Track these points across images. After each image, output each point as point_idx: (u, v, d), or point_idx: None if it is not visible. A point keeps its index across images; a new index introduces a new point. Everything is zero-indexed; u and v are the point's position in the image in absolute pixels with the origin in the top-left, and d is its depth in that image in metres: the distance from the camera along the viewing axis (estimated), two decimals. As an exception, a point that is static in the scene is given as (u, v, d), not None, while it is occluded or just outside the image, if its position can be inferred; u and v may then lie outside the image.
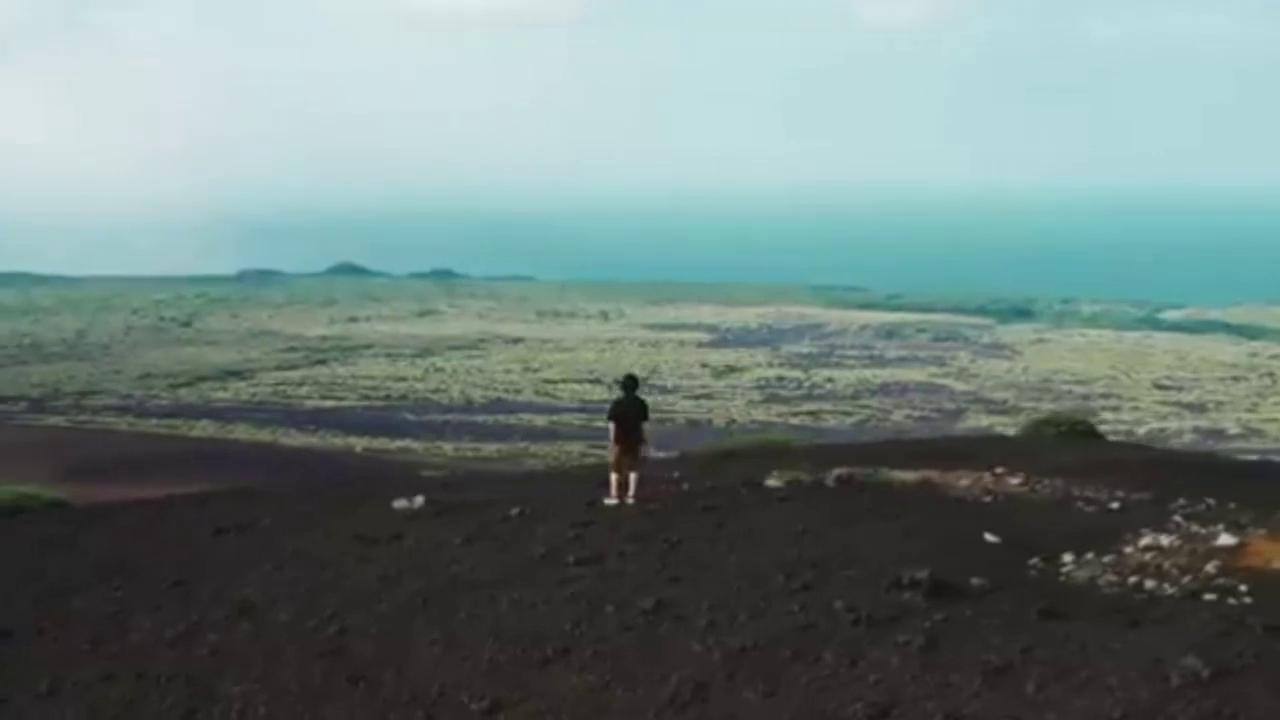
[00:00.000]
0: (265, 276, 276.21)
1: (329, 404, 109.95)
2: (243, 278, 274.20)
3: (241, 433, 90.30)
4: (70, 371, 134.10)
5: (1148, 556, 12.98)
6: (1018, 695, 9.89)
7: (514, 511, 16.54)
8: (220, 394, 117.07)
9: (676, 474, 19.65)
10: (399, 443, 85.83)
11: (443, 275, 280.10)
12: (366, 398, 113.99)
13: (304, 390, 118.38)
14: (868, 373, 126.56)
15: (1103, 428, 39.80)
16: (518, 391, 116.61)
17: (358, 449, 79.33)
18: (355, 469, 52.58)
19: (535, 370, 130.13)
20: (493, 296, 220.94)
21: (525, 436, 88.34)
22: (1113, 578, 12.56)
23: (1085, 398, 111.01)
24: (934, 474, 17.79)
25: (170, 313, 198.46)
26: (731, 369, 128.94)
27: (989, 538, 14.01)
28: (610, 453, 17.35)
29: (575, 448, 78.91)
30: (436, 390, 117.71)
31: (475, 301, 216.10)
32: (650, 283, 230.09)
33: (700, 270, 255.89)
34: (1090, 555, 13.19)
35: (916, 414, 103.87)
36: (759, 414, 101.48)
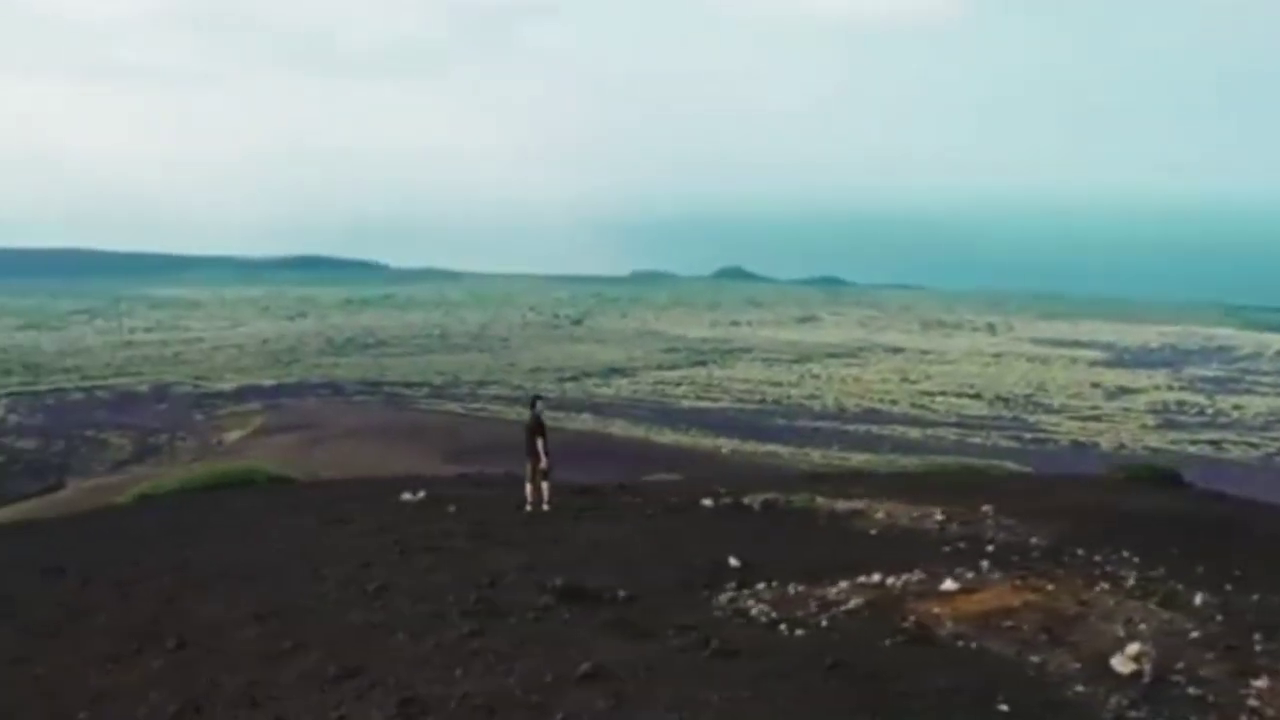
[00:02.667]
0: (655, 278, 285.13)
1: (704, 405, 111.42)
2: (635, 278, 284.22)
3: (617, 428, 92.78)
4: (471, 362, 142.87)
5: (833, 592, 13.22)
6: (500, 675, 10.68)
7: (451, 509, 20.12)
8: (603, 390, 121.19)
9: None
10: (767, 447, 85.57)
11: (828, 282, 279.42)
12: (740, 400, 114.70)
13: (681, 390, 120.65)
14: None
15: None
16: (893, 402, 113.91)
17: (724, 450, 79.69)
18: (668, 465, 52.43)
19: (913, 382, 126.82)
20: (876, 305, 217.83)
21: (896, 448, 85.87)
22: (764, 607, 12.88)
23: None
24: (865, 505, 18.75)
25: (565, 310, 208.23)
26: (1126, 390, 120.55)
27: (733, 561, 14.85)
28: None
29: (948, 462, 75.80)
30: (810, 397, 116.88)
31: (858, 309, 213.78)
32: (1043, 294, 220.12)
33: (1100, 282, 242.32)
34: (789, 586, 13.65)
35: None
36: (1153, 440, 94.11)
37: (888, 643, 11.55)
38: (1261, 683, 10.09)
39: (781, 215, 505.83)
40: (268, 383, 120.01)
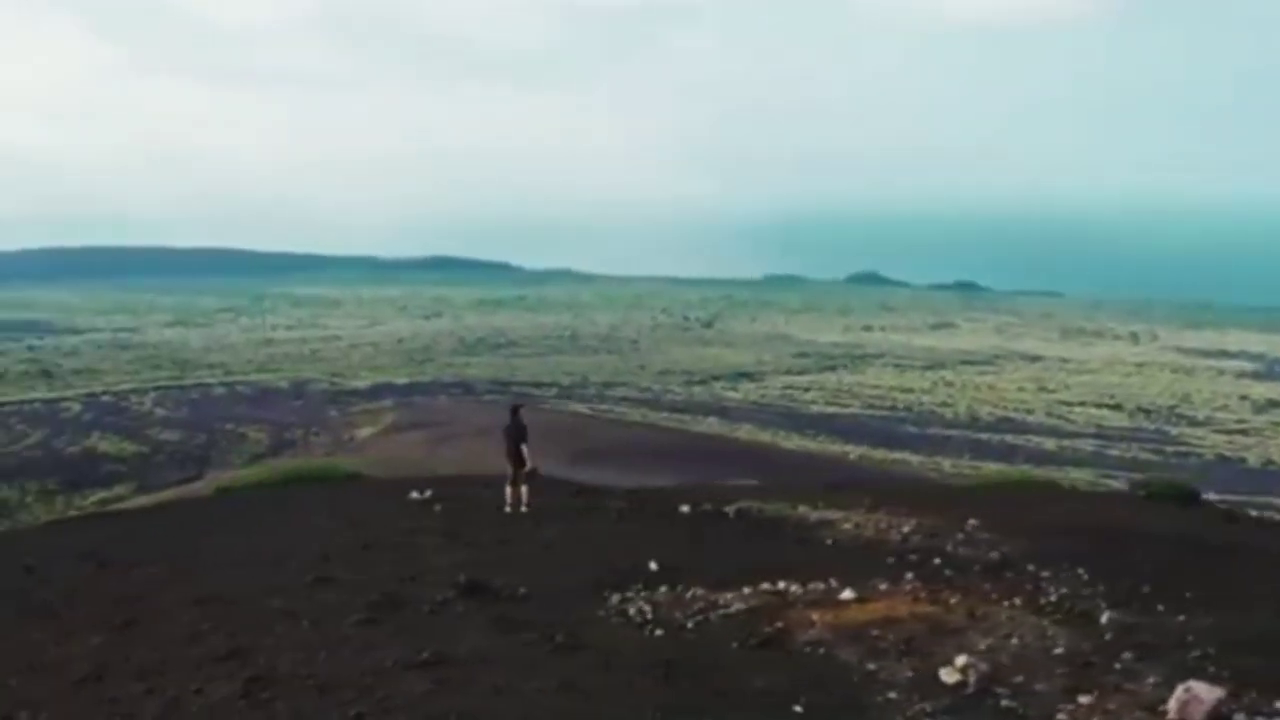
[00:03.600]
0: (788, 282, 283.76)
1: (832, 410, 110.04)
2: (767, 282, 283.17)
3: (744, 432, 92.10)
4: (600, 363, 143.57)
5: (728, 597, 13.37)
6: (353, 659, 11.24)
7: (438, 508, 20.86)
8: (730, 393, 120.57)
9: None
10: (896, 454, 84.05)
11: (964, 288, 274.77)
12: (871, 407, 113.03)
13: (810, 395, 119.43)
14: None
15: None
16: (1028, 412, 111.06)
17: (852, 456, 78.52)
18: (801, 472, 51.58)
19: (1050, 391, 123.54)
20: (1014, 312, 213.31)
21: (1029, 459, 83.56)
22: (647, 609, 13.16)
23: None
24: (840, 515, 18.62)
25: (695, 313, 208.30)
26: (1275, 404, 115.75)
27: (652, 565, 15.05)
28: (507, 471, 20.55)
29: (1082, 474, 73.53)
30: (943, 404, 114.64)
31: (995, 316, 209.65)
32: (1189, 303, 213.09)
33: (1249, 289, 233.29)
34: (692, 590, 13.86)
35: None
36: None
37: (736, 645, 11.76)
38: (1087, 699, 9.92)
39: (919, 219, 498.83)
40: (401, 381, 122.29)
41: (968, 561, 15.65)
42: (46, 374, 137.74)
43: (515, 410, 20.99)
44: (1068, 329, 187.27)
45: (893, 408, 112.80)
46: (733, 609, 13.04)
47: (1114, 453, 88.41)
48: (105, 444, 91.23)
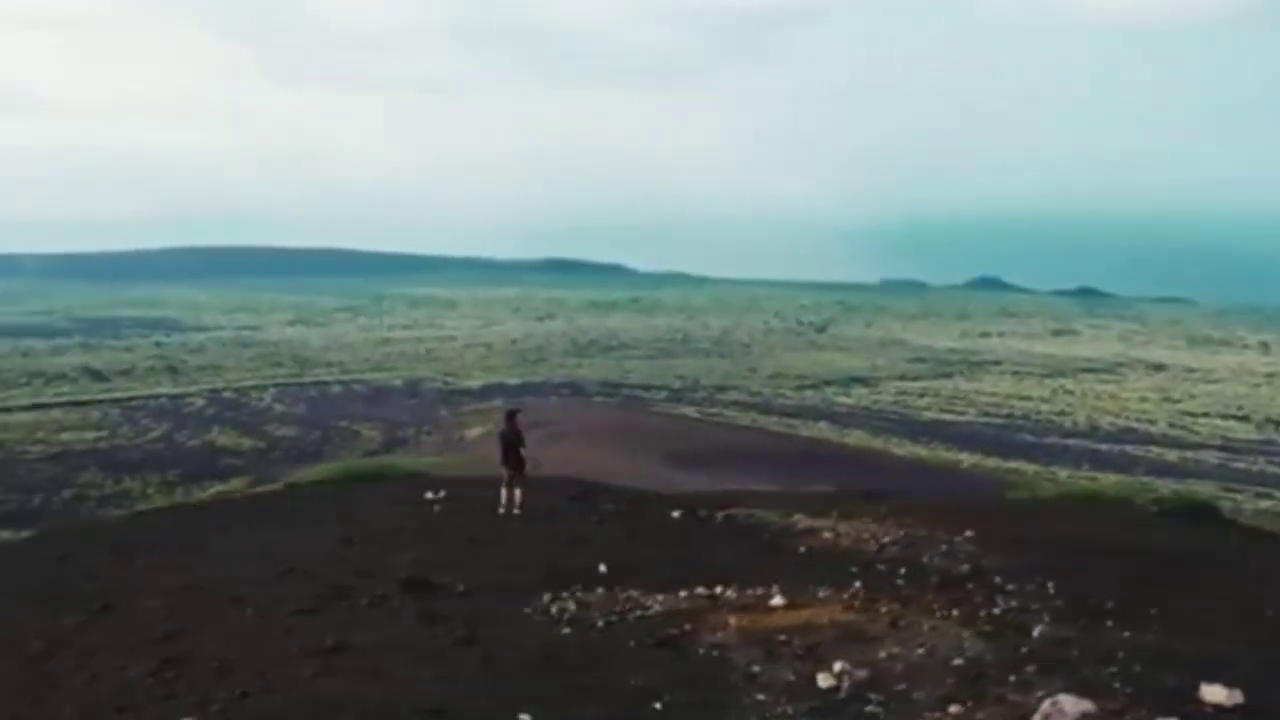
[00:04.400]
0: (906, 287, 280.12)
1: (947, 417, 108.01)
2: (884, 287, 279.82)
3: (854, 438, 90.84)
4: (711, 366, 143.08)
5: (658, 599, 13.53)
6: (270, 645, 11.61)
7: (438, 508, 21.40)
8: (843, 399, 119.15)
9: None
10: (1011, 463, 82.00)
11: (1087, 294, 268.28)
12: (986, 414, 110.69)
13: (924, 401, 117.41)
14: None
15: None
16: (1151, 422, 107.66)
17: (964, 465, 76.86)
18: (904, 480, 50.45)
19: (1175, 401, 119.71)
20: (1139, 319, 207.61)
21: (1150, 471, 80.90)
22: (572, 608, 13.38)
23: None
24: (824, 523, 18.40)
25: (809, 317, 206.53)
26: None
27: (601, 568, 15.18)
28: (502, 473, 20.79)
29: (1205, 488, 70.96)
30: (1061, 413, 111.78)
31: (1119, 323, 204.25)
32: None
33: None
34: (628, 592, 13.98)
35: None
36: None
37: (633, 645, 11.92)
38: (957, 708, 9.90)
39: (1042, 222, 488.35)
40: (513, 381, 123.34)
41: (933, 572, 15.42)
42: (172, 370, 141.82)
43: (511, 415, 21.33)
44: (1195, 337, 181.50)
45: (1009, 416, 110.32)
46: (653, 610, 13.23)
47: (1239, 465, 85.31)
48: (224, 439, 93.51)
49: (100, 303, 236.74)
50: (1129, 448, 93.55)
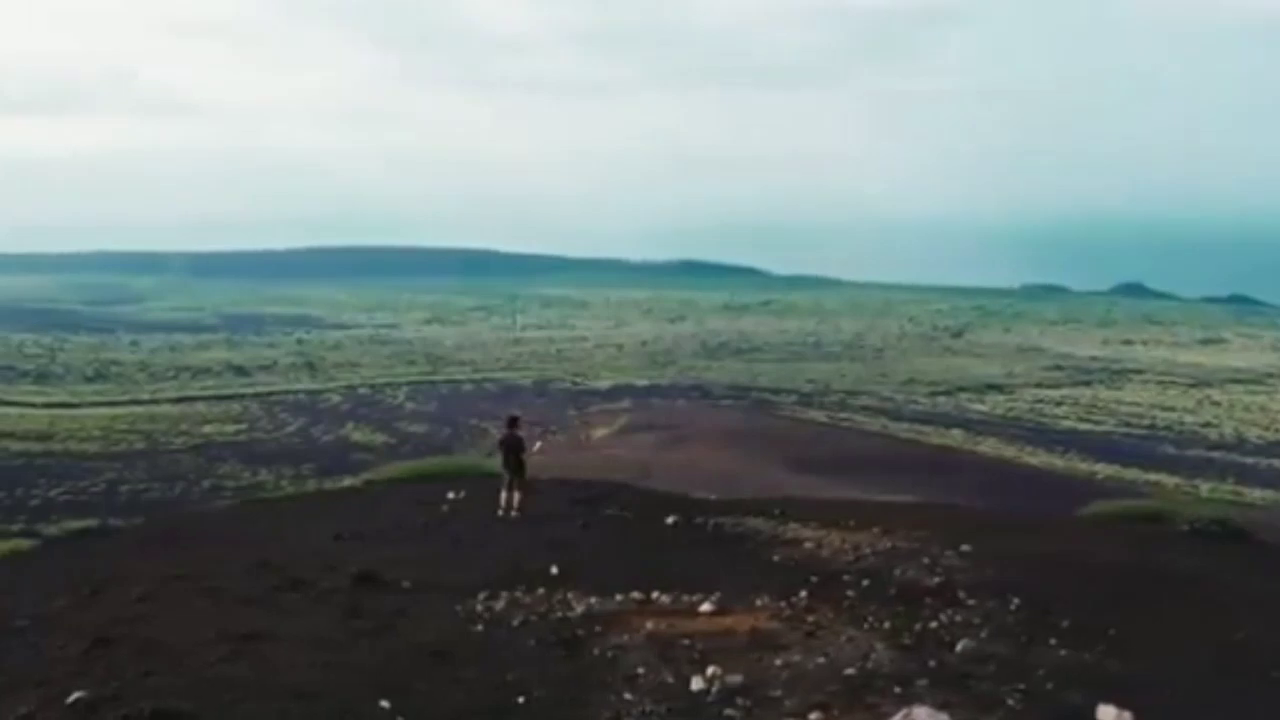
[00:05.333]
0: (1046, 292, 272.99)
1: (1084, 427, 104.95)
2: (1023, 292, 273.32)
3: (987, 446, 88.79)
4: (842, 371, 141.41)
5: (591, 602, 13.77)
6: (201, 629, 12.08)
7: (444, 508, 21.45)
8: (976, 406, 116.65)
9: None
10: (1151, 475, 79.23)
11: (1238, 302, 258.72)
12: (1127, 425, 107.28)
13: (1061, 410, 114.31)
14: None
15: None
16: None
17: (1099, 476, 74.45)
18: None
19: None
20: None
21: (1302, 487, 77.45)
22: (500, 608, 13.66)
23: None
24: (809, 533, 18.36)
25: (944, 322, 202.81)
26: None
27: (553, 570, 15.38)
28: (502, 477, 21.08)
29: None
30: (1206, 425, 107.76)
31: (1272, 332, 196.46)
32: None
33: None
34: (565, 594, 14.17)
35: None
36: None
37: (533, 643, 12.21)
38: (816, 715, 10.04)
39: (1190, 226, 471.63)
40: (641, 383, 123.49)
41: (896, 584, 15.21)
42: (311, 366, 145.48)
43: (513, 422, 21.78)
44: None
45: (1151, 426, 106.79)
46: (577, 612, 13.47)
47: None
48: (358, 434, 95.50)
49: (245, 300, 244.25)
50: (1277, 461, 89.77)
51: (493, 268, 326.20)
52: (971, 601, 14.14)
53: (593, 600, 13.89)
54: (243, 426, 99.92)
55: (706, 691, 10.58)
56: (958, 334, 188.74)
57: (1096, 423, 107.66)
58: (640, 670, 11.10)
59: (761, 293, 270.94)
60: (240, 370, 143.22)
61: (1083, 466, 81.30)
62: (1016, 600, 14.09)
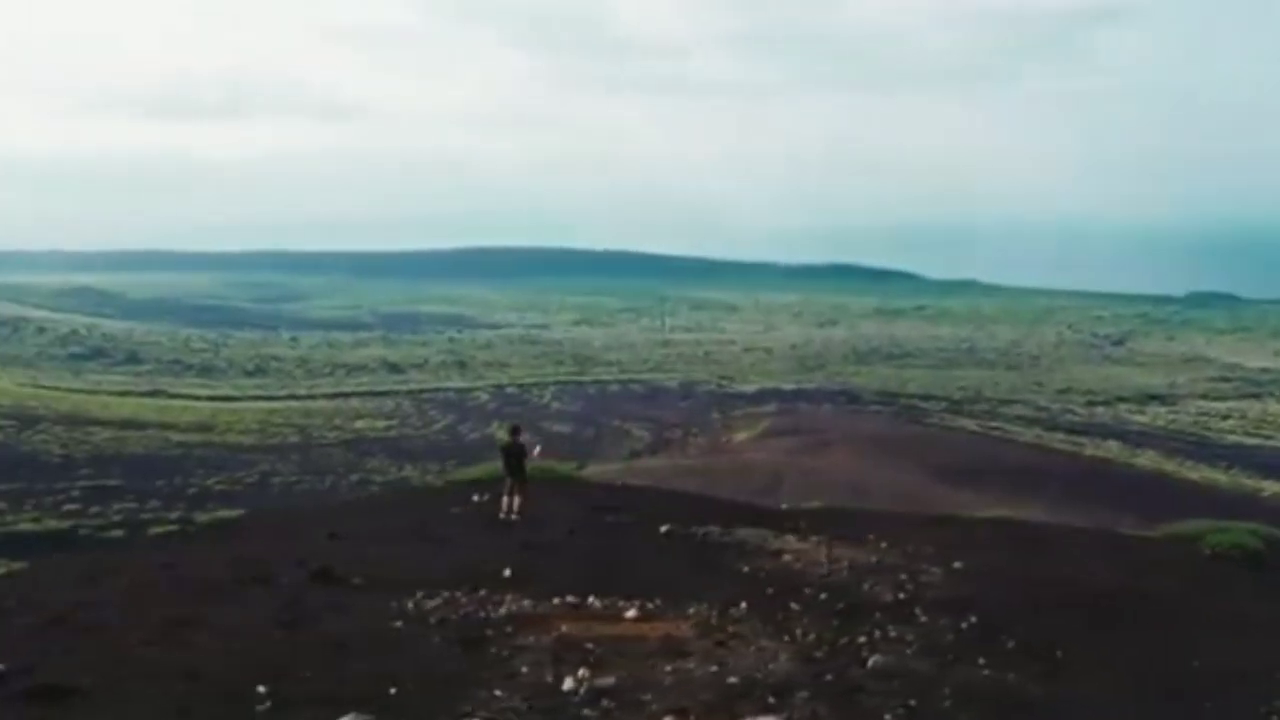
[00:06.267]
0: (1216, 300, 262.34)
1: (1252, 441, 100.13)
2: (1191, 300, 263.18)
3: (1146, 459, 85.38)
4: (995, 379, 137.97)
5: (523, 604, 14.00)
6: (144, 614, 12.93)
7: (455, 510, 22.40)
8: (1136, 417, 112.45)
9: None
10: (1323, 495, 75.14)
11: None
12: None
13: (1227, 424, 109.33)
14: None
15: None
16: None
17: (1265, 494, 70.84)
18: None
19: None
20: None
21: None
22: (431, 606, 13.94)
23: None
24: (791, 543, 18.20)
25: (1105, 330, 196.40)
26: None
27: (505, 572, 15.66)
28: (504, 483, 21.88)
29: None
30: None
31: None
32: None
33: None
34: (503, 597, 14.41)
35: None
36: None
37: (438, 640, 12.59)
38: (670, 717, 10.33)
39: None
40: (787, 387, 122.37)
41: (850, 599, 15.12)
42: (461, 364, 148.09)
43: (515, 431, 22.82)
44: None
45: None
46: (500, 613, 13.81)
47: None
48: (503, 432, 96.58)
49: (402, 299, 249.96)
50: None
51: (643, 270, 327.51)
52: (924, 619, 13.92)
53: (525, 602, 14.19)
54: (393, 422, 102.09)
55: (575, 692, 10.88)
56: (1119, 342, 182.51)
57: (1266, 437, 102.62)
58: (524, 670, 11.39)
59: (915, 297, 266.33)
60: (394, 367, 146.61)
61: (1247, 483, 77.57)
62: (973, 619, 13.76)
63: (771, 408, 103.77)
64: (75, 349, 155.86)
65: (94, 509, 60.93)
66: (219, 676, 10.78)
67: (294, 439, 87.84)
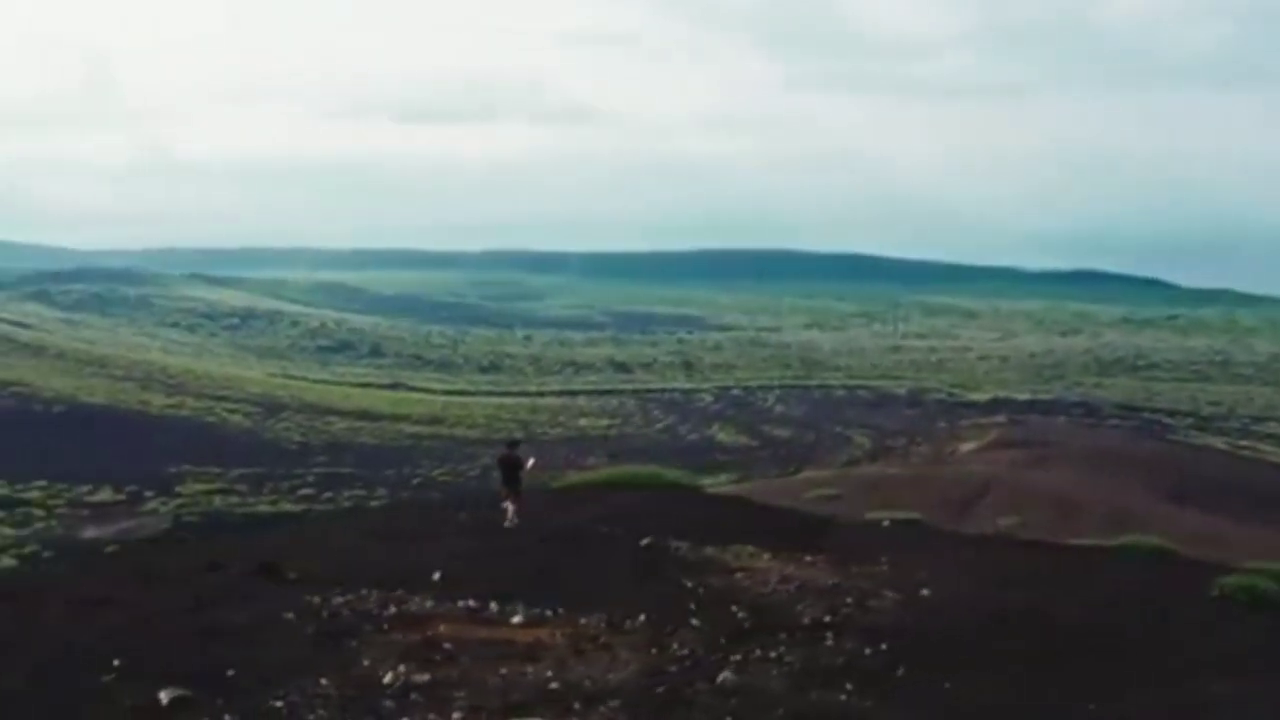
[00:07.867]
0: None
1: None
2: None
3: None
4: (1251, 394, 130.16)
5: (426, 606, 14.46)
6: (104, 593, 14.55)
7: (462, 515, 23.47)
8: None
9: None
10: None
11: None
12: None
13: None
14: None
15: None
16: None
17: None
18: None
19: None
20: None
21: None
22: (350, 603, 14.40)
23: None
24: (746, 560, 18.17)
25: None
26: None
27: (435, 576, 15.87)
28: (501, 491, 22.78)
29: None
30: None
31: None
32: None
33: None
34: (418, 600, 14.75)
35: None
36: None
37: (311, 631, 12.92)
38: (457, 715, 10.66)
39: None
40: (1021, 397, 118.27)
41: (769, 620, 14.54)
42: (688, 365, 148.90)
43: (513, 444, 23.90)
44: None
45: None
46: (391, 611, 14.10)
47: None
48: (723, 434, 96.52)
49: (634, 299, 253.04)
50: None
51: (878, 273, 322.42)
52: (830, 643, 13.40)
53: (428, 603, 14.52)
54: (615, 421, 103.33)
55: (391, 685, 11.31)
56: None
57: None
58: (365, 664, 11.72)
59: (1167, 306, 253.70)
60: (622, 367, 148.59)
61: None
62: (883, 647, 13.05)
63: (1001, 418, 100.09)
64: (323, 342, 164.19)
65: (326, 494, 63.82)
66: (82, 649, 11.62)
67: (517, 435, 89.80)
